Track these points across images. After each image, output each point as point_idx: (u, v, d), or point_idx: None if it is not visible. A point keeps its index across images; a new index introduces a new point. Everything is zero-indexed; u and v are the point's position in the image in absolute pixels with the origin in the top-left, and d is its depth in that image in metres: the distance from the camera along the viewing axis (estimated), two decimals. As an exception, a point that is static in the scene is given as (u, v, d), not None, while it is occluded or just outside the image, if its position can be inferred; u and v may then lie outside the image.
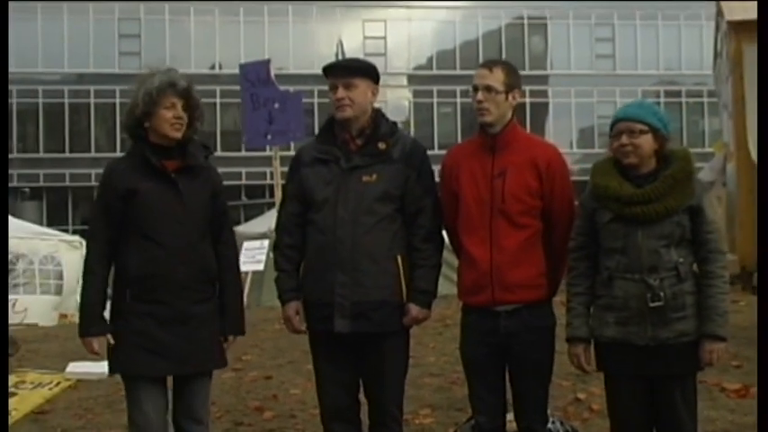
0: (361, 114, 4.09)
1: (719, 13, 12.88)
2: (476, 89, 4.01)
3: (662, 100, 41.86)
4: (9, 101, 35.01)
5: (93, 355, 4.10)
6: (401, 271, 4.05)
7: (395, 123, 4.26)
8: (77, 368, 7.72)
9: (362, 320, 3.99)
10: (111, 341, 3.98)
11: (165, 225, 3.93)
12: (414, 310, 4.07)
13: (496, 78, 3.99)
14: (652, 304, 3.63)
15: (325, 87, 4.21)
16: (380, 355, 4.08)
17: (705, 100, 39.29)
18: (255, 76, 6.17)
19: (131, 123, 4.02)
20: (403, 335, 4.17)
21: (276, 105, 5.97)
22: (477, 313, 4.08)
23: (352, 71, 4.11)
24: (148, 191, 3.94)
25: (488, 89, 3.98)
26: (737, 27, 11.53)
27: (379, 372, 4.09)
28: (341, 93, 4.05)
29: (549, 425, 4.32)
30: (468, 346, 4.16)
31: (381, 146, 4.08)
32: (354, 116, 4.07)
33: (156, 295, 3.91)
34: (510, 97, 4.02)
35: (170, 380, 4.09)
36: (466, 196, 4.07)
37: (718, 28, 13.72)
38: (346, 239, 3.98)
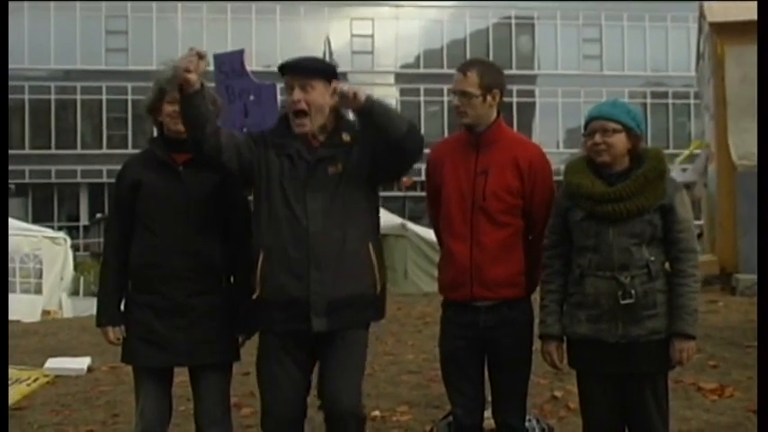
0: (319, 116, 3.92)
1: (702, 15, 12.93)
2: (454, 93, 4.02)
3: (648, 101, 42.11)
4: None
5: (111, 345, 4.11)
6: (373, 260, 3.94)
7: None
8: (56, 364, 7.74)
9: (339, 315, 3.84)
10: (124, 333, 4.02)
11: (164, 215, 3.95)
12: None
13: (470, 83, 3.99)
14: (623, 301, 3.64)
15: None
16: (347, 349, 3.92)
17: (692, 102, 39.38)
18: (230, 67, 6.04)
19: (146, 117, 4.12)
20: (366, 329, 4.03)
21: (251, 98, 5.86)
22: (456, 307, 4.08)
23: (310, 72, 3.93)
24: (151, 182, 3.98)
25: (463, 94, 3.99)
26: (719, 29, 11.60)
27: (343, 366, 3.91)
28: (297, 94, 3.87)
29: (526, 422, 4.32)
30: (447, 339, 4.14)
31: (346, 137, 3.95)
32: (311, 131, 3.91)
33: (153, 286, 3.93)
34: (489, 98, 4.01)
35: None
36: (448, 192, 4.07)
37: (701, 30, 13.78)
38: (318, 232, 3.85)
